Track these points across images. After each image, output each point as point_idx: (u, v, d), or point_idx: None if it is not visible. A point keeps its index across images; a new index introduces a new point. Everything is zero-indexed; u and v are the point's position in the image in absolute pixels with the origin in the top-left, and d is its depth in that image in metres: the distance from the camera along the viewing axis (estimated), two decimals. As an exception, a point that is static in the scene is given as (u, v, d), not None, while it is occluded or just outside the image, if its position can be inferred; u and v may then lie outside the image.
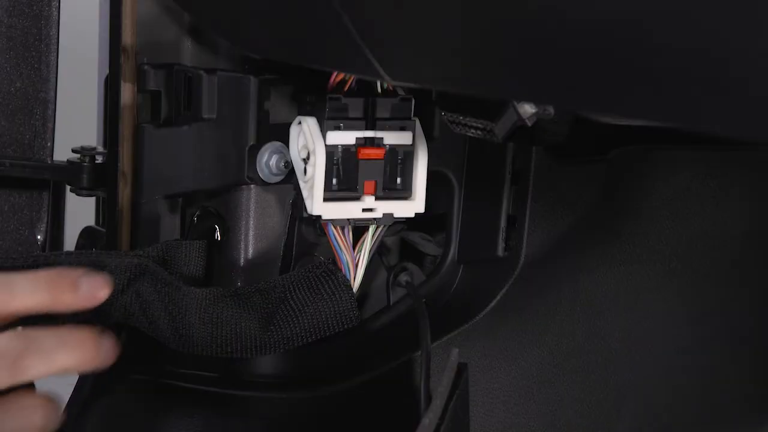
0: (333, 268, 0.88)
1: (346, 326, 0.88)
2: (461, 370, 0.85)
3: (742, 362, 1.02)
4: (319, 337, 0.88)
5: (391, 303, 0.99)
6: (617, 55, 0.57)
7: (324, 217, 0.87)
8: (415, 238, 1.01)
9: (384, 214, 0.88)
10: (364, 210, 0.87)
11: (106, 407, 0.92)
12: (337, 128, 0.86)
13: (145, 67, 0.90)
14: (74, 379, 0.91)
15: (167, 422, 0.92)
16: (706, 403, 1.02)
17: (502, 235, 0.98)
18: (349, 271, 0.89)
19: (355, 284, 0.89)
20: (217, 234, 0.93)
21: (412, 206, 0.88)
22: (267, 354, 0.87)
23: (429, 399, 0.86)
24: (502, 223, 0.98)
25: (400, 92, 0.88)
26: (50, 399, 0.79)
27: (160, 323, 0.85)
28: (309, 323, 0.87)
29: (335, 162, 0.86)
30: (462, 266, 0.99)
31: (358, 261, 0.90)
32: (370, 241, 0.90)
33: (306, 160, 0.87)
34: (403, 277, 1.00)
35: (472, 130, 0.86)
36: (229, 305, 0.86)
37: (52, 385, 0.91)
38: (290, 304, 0.87)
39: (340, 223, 0.88)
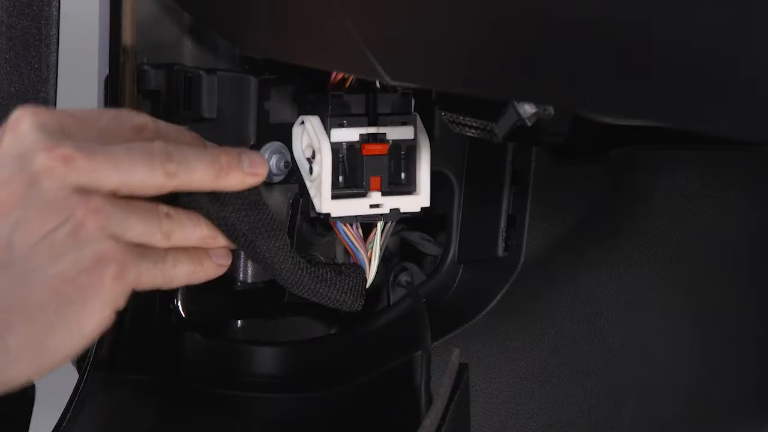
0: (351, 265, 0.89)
1: (350, 302, 0.87)
2: (462, 370, 0.85)
3: (742, 362, 1.02)
4: (326, 300, 0.86)
5: (391, 303, 1.00)
6: (618, 55, 0.57)
7: (333, 215, 0.87)
8: (415, 238, 1.01)
9: (391, 210, 0.88)
10: (371, 206, 0.88)
11: (106, 407, 0.92)
12: (341, 125, 0.86)
13: (145, 67, 0.90)
14: (74, 379, 0.91)
15: (166, 422, 0.92)
16: (706, 403, 1.02)
17: (502, 235, 0.98)
18: (365, 266, 0.89)
19: (369, 279, 0.89)
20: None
21: (418, 200, 0.89)
22: (293, 279, 0.85)
23: (429, 400, 0.86)
24: (502, 223, 0.98)
25: (399, 88, 0.89)
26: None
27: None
28: (323, 276, 0.86)
29: (341, 159, 0.87)
30: (462, 266, 0.99)
31: (371, 256, 0.90)
32: (380, 237, 0.90)
33: (311, 160, 0.88)
34: (403, 277, 1.00)
35: (472, 130, 0.86)
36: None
37: (52, 385, 0.91)
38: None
39: (349, 221, 0.88)
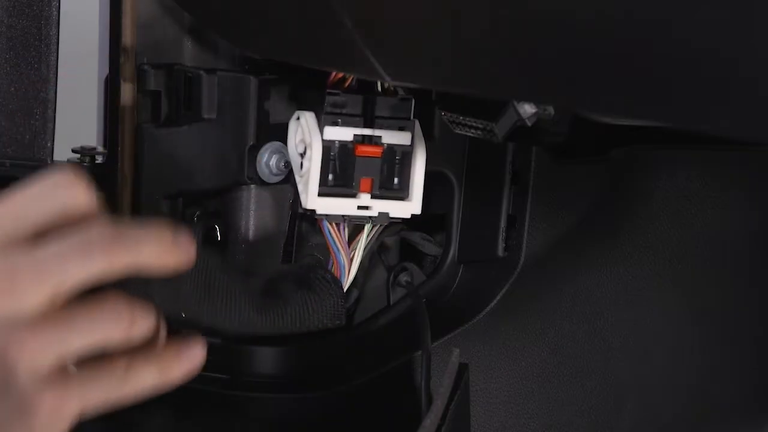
0: (323, 267, 0.88)
1: (332, 324, 0.86)
2: (462, 370, 0.85)
3: (742, 362, 1.02)
4: (306, 330, 0.86)
5: (391, 303, 0.99)
6: (618, 56, 0.57)
7: (318, 212, 0.86)
8: (415, 238, 1.01)
9: (380, 213, 0.88)
10: (359, 207, 0.87)
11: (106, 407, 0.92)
12: (335, 124, 0.86)
13: (145, 67, 0.90)
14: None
15: (167, 422, 0.92)
16: (706, 403, 1.02)
17: (502, 235, 0.98)
18: (343, 268, 0.89)
19: (348, 281, 0.89)
20: (218, 234, 0.93)
21: (409, 207, 0.88)
22: (257, 332, 0.84)
23: (430, 400, 0.86)
24: (502, 223, 0.98)
25: (400, 92, 0.88)
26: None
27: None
28: (295, 312, 0.85)
29: (332, 157, 0.86)
30: (462, 266, 1.00)
31: (353, 258, 0.89)
32: (365, 239, 0.89)
33: (303, 155, 0.87)
34: (403, 277, 1.00)
35: (472, 130, 0.86)
36: (223, 277, 0.81)
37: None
38: (279, 292, 0.85)
39: (335, 220, 0.88)
